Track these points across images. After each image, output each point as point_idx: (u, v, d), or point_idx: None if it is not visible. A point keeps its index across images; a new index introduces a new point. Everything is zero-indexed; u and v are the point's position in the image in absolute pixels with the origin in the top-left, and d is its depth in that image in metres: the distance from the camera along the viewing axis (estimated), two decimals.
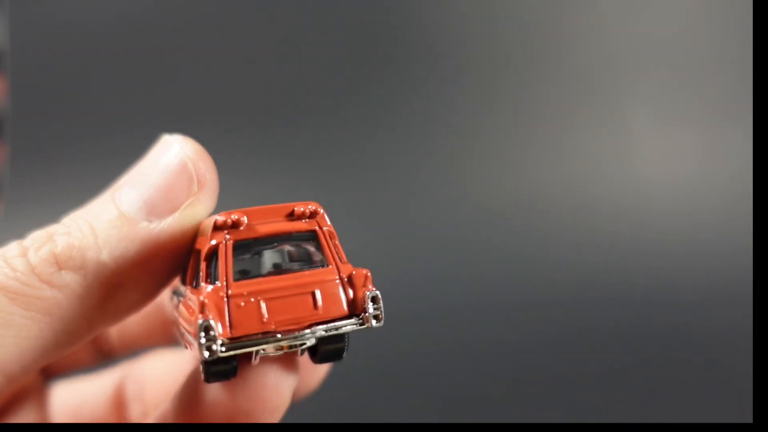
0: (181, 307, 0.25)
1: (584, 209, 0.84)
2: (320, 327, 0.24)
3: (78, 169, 0.81)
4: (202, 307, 0.22)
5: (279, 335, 0.23)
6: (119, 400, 0.36)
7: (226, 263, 0.23)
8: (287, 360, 0.25)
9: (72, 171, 0.81)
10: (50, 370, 0.35)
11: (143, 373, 0.36)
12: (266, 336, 0.23)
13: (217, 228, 0.24)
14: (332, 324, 0.24)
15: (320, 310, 0.24)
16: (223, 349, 0.22)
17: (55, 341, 0.23)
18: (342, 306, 0.24)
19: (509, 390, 0.60)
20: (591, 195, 0.85)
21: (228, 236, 0.24)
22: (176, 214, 0.24)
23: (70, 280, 0.23)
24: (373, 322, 0.24)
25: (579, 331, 0.70)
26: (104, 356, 0.36)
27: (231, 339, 0.22)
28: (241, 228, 0.24)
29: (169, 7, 0.84)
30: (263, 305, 0.23)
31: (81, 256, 0.23)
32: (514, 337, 0.66)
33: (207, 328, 0.22)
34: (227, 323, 0.22)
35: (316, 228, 0.26)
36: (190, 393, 0.26)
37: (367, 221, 0.81)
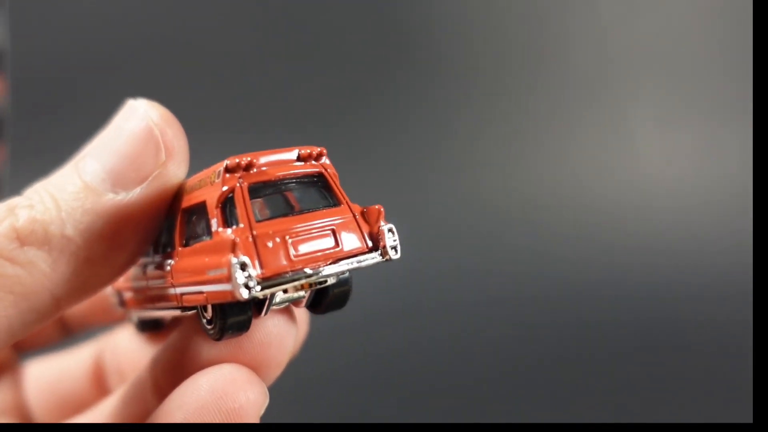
0: (173, 265, 0.24)
1: (586, 208, 0.83)
2: (345, 261, 0.24)
3: None
4: (234, 246, 0.21)
5: (308, 271, 0.23)
6: (98, 374, 0.35)
7: (245, 205, 0.23)
8: (289, 312, 0.25)
9: None
10: (16, 346, 0.34)
11: (118, 346, 0.35)
12: (296, 273, 0.22)
13: (229, 170, 0.23)
14: (356, 258, 0.24)
15: (342, 247, 0.24)
16: (259, 288, 0.21)
17: (21, 320, 0.22)
18: (361, 241, 0.25)
19: (508, 386, 0.60)
20: (593, 194, 0.85)
21: (241, 180, 0.23)
22: (144, 185, 0.23)
23: (33, 256, 0.22)
24: (392, 253, 0.25)
25: (579, 331, 0.70)
26: (66, 333, 0.36)
27: (263, 279, 0.21)
28: (253, 171, 0.23)
29: (170, 7, 0.84)
30: (290, 243, 0.23)
31: (44, 231, 0.22)
32: (514, 331, 0.66)
33: (243, 265, 0.21)
34: (256, 263, 0.22)
35: (323, 170, 0.26)
36: (175, 353, 0.25)
37: None
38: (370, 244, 0.25)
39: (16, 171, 0.80)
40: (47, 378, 0.34)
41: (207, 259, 0.22)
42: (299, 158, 0.25)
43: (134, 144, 0.23)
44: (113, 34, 0.83)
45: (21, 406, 0.33)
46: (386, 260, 0.25)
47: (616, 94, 0.87)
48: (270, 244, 0.22)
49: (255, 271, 0.21)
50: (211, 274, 0.22)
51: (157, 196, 0.23)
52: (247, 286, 0.21)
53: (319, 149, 0.26)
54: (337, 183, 0.26)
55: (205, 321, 0.24)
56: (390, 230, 0.25)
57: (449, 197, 0.84)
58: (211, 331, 0.23)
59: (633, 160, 0.86)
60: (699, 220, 0.83)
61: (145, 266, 0.27)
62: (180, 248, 0.24)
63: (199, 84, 0.84)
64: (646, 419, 0.58)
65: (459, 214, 0.83)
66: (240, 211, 0.22)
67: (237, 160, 0.23)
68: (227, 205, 0.23)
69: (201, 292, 0.23)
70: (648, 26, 0.87)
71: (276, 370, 0.24)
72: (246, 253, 0.21)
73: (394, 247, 0.25)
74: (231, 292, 0.21)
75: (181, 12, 0.84)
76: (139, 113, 0.24)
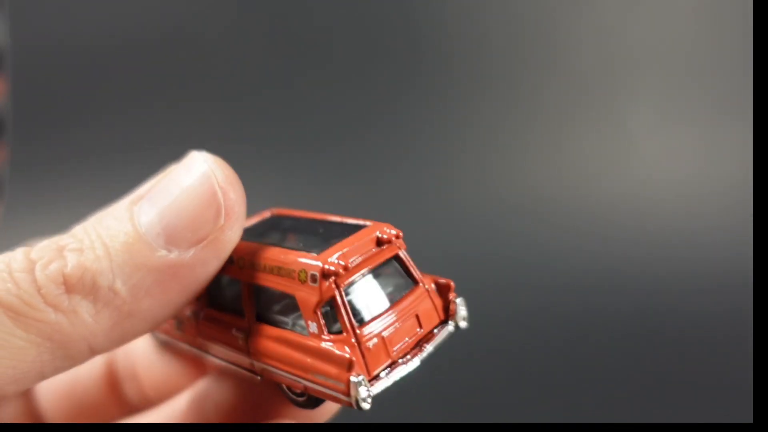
0: (251, 341, 0.25)
1: (584, 209, 0.83)
2: (428, 346, 0.25)
3: (79, 167, 0.81)
4: (351, 365, 0.23)
5: (415, 363, 0.25)
6: (112, 379, 0.35)
7: (347, 312, 0.24)
8: None
9: (72, 170, 0.81)
10: None
11: (132, 350, 0.34)
12: (393, 366, 0.24)
13: (325, 276, 0.23)
14: (436, 336, 0.26)
15: (424, 328, 0.26)
16: (370, 400, 0.23)
17: (54, 365, 0.21)
18: (437, 315, 0.27)
19: (507, 386, 0.60)
20: (591, 194, 0.85)
21: (338, 286, 0.24)
22: (199, 246, 0.22)
23: (77, 304, 0.21)
24: (462, 324, 0.27)
25: (578, 332, 0.70)
26: None
27: (370, 380, 0.23)
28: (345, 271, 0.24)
29: (171, 7, 0.84)
30: (387, 340, 0.24)
31: (92, 281, 0.21)
32: (511, 335, 0.66)
33: (360, 384, 0.23)
34: (365, 368, 0.24)
35: (399, 252, 0.27)
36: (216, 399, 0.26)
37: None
38: (442, 316, 0.27)
39: (15, 171, 0.80)
40: (60, 384, 0.34)
41: (310, 361, 0.23)
42: (378, 243, 0.26)
43: (195, 204, 0.22)
44: (113, 34, 0.83)
45: (34, 412, 0.33)
46: (457, 330, 0.27)
47: (615, 95, 0.87)
48: (371, 346, 0.24)
49: (368, 386, 0.23)
50: (320, 379, 0.23)
51: (211, 259, 0.23)
52: (365, 400, 0.23)
53: (395, 232, 0.27)
54: (410, 260, 0.27)
55: (291, 392, 0.26)
56: (462, 303, 0.27)
57: (452, 197, 0.84)
58: (301, 402, 0.25)
59: (633, 159, 0.86)
60: (698, 221, 0.83)
61: (196, 315, 0.28)
62: (253, 324, 0.25)
63: (201, 87, 0.84)
64: (647, 419, 0.58)
65: (460, 212, 0.83)
66: (341, 318, 0.24)
67: (333, 268, 0.23)
68: (328, 307, 0.24)
69: (300, 383, 0.24)
70: (649, 26, 0.87)
71: None
72: (360, 369, 0.23)
73: (464, 318, 0.27)
74: (350, 403, 0.23)
75: (182, 12, 0.84)
76: (203, 170, 0.23)
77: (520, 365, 0.64)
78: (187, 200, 0.22)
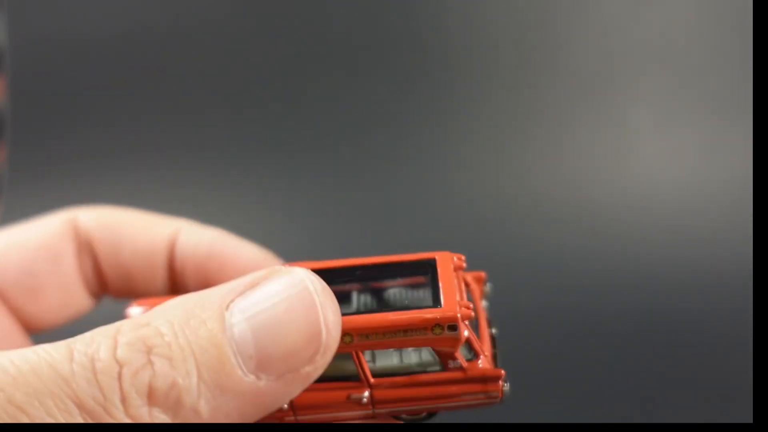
0: (373, 395, 0.26)
1: (582, 209, 0.83)
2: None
3: (79, 168, 0.81)
4: (502, 376, 0.27)
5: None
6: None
7: (476, 340, 0.27)
8: None
9: (72, 170, 0.81)
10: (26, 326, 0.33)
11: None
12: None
13: (461, 321, 0.25)
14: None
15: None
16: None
17: None
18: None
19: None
20: (589, 195, 0.85)
21: (467, 329, 0.26)
22: (289, 377, 0.21)
23: (155, 418, 0.19)
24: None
25: (576, 331, 0.70)
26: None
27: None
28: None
29: (171, 7, 0.84)
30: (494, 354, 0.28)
31: (177, 398, 0.19)
32: (509, 334, 0.66)
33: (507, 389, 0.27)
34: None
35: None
36: None
37: (355, 222, 0.81)
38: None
39: (15, 171, 0.80)
40: None
41: (456, 389, 0.26)
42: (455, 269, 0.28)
43: (296, 336, 0.21)
44: (114, 34, 0.83)
45: None
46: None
47: (614, 94, 0.87)
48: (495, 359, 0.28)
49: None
50: (467, 397, 0.26)
51: (297, 388, 0.22)
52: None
53: (461, 257, 0.29)
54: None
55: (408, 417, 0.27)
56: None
57: (451, 197, 0.84)
58: (419, 419, 0.27)
59: (630, 161, 0.86)
60: (698, 222, 0.83)
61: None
62: (372, 380, 0.26)
63: (203, 89, 0.84)
64: (646, 419, 0.58)
65: (459, 213, 0.83)
66: (475, 346, 0.27)
67: (462, 315, 0.25)
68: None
69: (440, 409, 0.27)
70: (649, 26, 0.87)
71: None
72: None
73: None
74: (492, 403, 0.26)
75: (182, 12, 0.84)
76: (310, 301, 0.21)
77: (518, 365, 0.64)
78: (287, 329, 0.21)
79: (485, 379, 0.26)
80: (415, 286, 0.26)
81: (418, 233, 0.81)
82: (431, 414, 0.27)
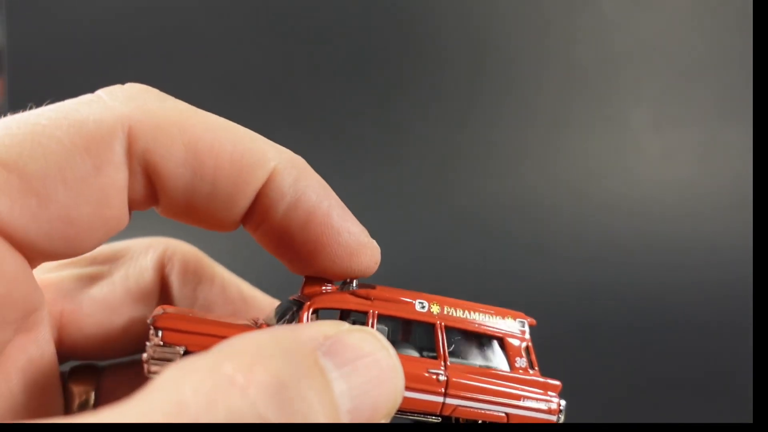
0: (449, 379, 0.27)
1: (582, 210, 0.83)
2: None
3: None
4: (559, 389, 0.30)
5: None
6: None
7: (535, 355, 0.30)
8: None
9: None
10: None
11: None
12: None
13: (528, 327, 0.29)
14: None
15: None
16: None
17: None
18: None
19: None
20: (589, 195, 0.85)
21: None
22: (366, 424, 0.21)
23: None
24: None
25: (577, 333, 0.70)
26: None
27: None
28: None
29: (170, 7, 0.84)
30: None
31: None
32: None
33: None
34: None
35: None
36: None
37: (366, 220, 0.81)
38: None
39: None
40: None
41: (518, 390, 0.27)
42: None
43: (385, 402, 0.21)
44: (113, 34, 0.83)
45: None
46: None
47: (614, 95, 0.87)
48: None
49: None
50: (530, 404, 0.28)
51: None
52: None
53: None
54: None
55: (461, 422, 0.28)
56: None
57: (450, 197, 0.84)
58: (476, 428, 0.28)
59: (631, 162, 0.86)
60: (698, 222, 0.83)
61: None
62: (448, 362, 0.27)
63: (200, 86, 0.84)
64: (646, 419, 0.58)
65: (459, 213, 0.83)
66: (534, 358, 0.29)
67: (530, 328, 0.29)
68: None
69: (499, 413, 0.27)
70: (650, 26, 0.87)
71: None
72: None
73: None
74: (554, 422, 0.28)
75: (181, 12, 0.84)
76: (395, 372, 0.22)
77: None
78: (377, 394, 0.21)
79: (546, 385, 0.29)
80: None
81: (418, 234, 0.81)
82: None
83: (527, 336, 0.28)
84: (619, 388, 0.63)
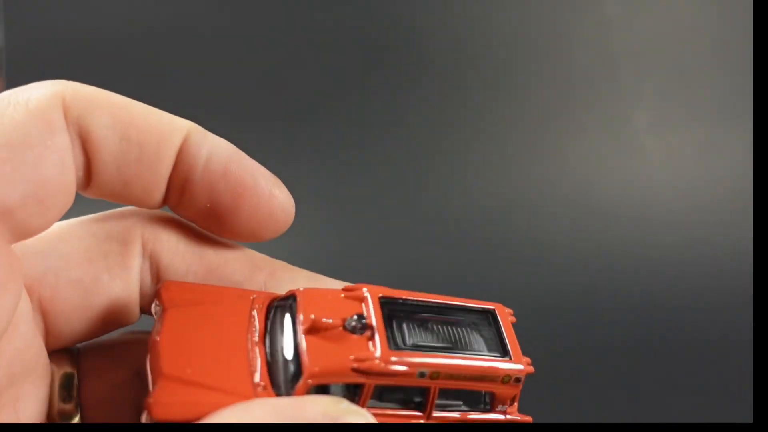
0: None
1: (584, 210, 0.83)
2: None
3: None
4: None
5: None
6: None
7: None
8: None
9: None
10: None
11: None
12: None
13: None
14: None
15: None
16: None
17: None
18: None
19: None
20: (590, 195, 0.85)
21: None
22: None
23: None
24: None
25: (577, 332, 0.70)
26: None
27: None
28: None
29: (169, 7, 0.84)
30: None
31: None
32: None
33: None
34: None
35: None
36: None
37: (359, 223, 0.81)
38: None
39: None
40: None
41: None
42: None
43: None
44: (111, 33, 0.83)
45: None
46: None
47: (615, 95, 0.87)
48: None
49: None
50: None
51: None
52: None
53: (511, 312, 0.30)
54: None
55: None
56: None
57: (441, 196, 0.84)
58: None
59: (631, 162, 0.86)
60: (698, 222, 0.83)
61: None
62: (432, 416, 0.27)
63: (200, 87, 0.84)
64: (646, 419, 0.58)
65: (454, 211, 0.83)
66: (517, 397, 0.29)
67: (527, 371, 0.28)
68: None
69: None
70: (650, 26, 0.87)
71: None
72: None
73: None
74: None
75: (180, 11, 0.84)
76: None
77: None
78: None
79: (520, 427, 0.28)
80: (477, 328, 0.28)
81: (419, 234, 0.81)
82: None
83: (519, 389, 0.28)
84: (618, 387, 0.63)
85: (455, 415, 0.27)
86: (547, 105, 0.87)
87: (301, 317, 0.25)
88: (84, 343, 0.29)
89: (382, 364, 0.25)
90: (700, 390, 0.63)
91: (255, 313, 0.27)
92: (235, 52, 0.85)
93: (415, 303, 0.27)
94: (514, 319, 0.29)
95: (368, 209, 0.82)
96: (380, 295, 0.27)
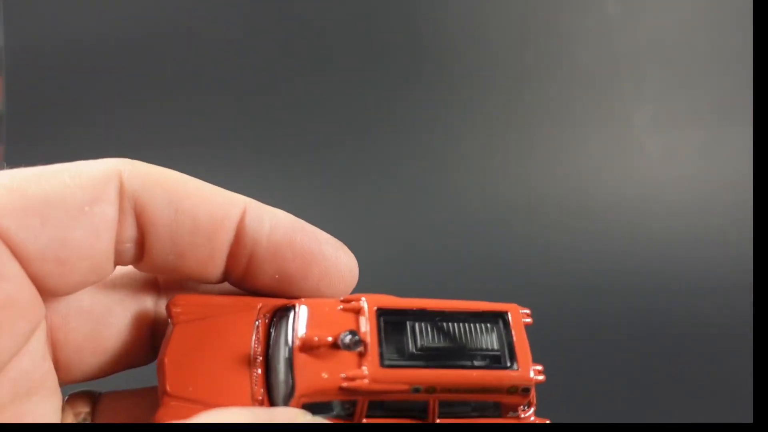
0: None
1: (584, 209, 0.83)
2: None
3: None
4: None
5: None
6: None
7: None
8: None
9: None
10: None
11: None
12: None
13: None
14: None
15: None
16: None
17: None
18: None
19: None
20: (590, 194, 0.85)
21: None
22: None
23: None
24: None
25: (576, 331, 0.70)
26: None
27: None
28: None
29: (168, 7, 0.84)
30: None
31: None
32: None
33: None
34: None
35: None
36: None
37: (360, 224, 0.81)
38: None
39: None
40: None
41: None
42: None
43: None
44: (110, 34, 0.83)
45: None
46: None
47: (615, 94, 0.87)
48: None
49: None
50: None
51: None
52: None
53: (527, 311, 0.30)
54: None
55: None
56: None
57: (438, 200, 0.84)
58: None
59: (631, 161, 0.86)
60: (698, 222, 0.83)
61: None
62: (437, 420, 0.27)
63: (196, 87, 0.84)
64: (646, 419, 0.58)
65: (461, 213, 0.83)
66: (533, 401, 0.29)
67: (536, 380, 0.27)
68: None
69: None
70: (651, 26, 0.87)
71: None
72: None
73: None
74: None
75: (178, 12, 0.84)
76: None
77: None
78: None
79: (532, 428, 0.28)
80: (483, 336, 0.27)
81: (420, 235, 0.81)
82: None
83: (528, 397, 0.27)
84: (618, 387, 0.63)
85: (464, 417, 0.27)
86: (547, 105, 0.87)
87: (296, 333, 0.25)
88: (106, 391, 0.28)
89: (372, 384, 0.24)
90: (699, 390, 0.63)
91: (258, 323, 0.27)
92: (235, 51, 0.85)
93: (415, 312, 0.26)
94: (529, 320, 0.28)
95: (368, 209, 0.82)
96: (378, 306, 0.26)
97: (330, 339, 0.25)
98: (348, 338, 0.25)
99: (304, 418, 0.23)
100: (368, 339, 0.25)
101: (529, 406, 0.28)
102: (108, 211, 0.24)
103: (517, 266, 0.78)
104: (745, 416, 0.55)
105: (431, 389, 0.25)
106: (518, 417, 0.27)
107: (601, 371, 0.65)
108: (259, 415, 0.22)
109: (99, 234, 0.24)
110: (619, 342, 0.69)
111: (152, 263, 0.26)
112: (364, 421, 0.25)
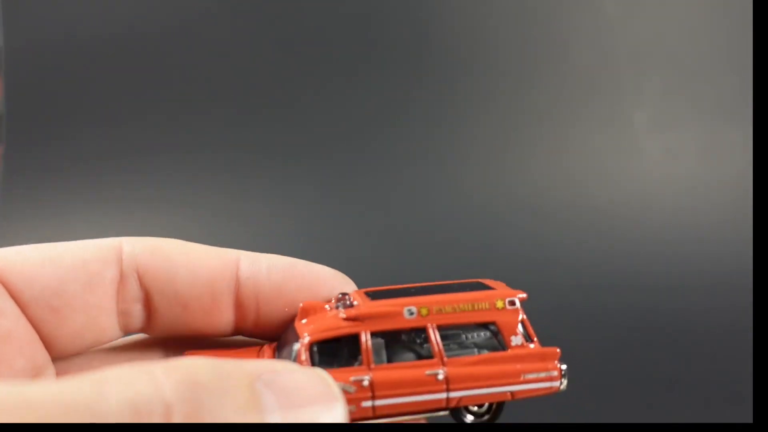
0: (448, 374, 0.28)
1: (584, 208, 0.83)
2: None
3: (75, 171, 0.81)
4: (557, 356, 0.30)
5: None
6: None
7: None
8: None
9: (69, 174, 0.81)
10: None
11: None
12: None
13: (519, 299, 0.30)
14: None
15: None
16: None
17: None
18: None
19: None
20: (591, 194, 0.85)
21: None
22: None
23: None
24: None
25: (576, 331, 0.70)
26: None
27: None
28: None
29: (168, 9, 0.84)
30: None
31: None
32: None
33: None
34: None
35: None
36: None
37: (361, 221, 0.81)
38: None
39: (12, 171, 0.80)
40: None
41: (520, 367, 0.28)
42: None
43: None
44: (110, 38, 0.83)
45: None
46: None
47: (616, 94, 0.87)
48: None
49: None
50: (532, 377, 0.28)
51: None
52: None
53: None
54: None
55: (469, 414, 0.29)
56: None
57: (440, 198, 0.84)
58: (484, 416, 0.29)
59: (632, 160, 0.86)
60: (699, 222, 0.83)
61: (360, 381, 0.28)
62: (445, 359, 0.28)
63: (198, 91, 0.84)
64: (646, 419, 0.58)
65: (464, 213, 0.83)
66: (530, 330, 0.30)
67: (522, 295, 0.29)
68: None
69: (506, 392, 0.28)
70: (651, 26, 0.87)
71: None
72: None
73: None
74: (557, 388, 0.29)
75: (178, 14, 0.84)
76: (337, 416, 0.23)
77: None
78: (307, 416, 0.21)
79: (544, 356, 0.29)
80: (461, 286, 0.29)
81: (421, 235, 0.81)
82: (495, 412, 0.29)
83: (519, 313, 0.29)
84: (618, 387, 0.63)
85: (473, 352, 0.28)
86: (547, 105, 0.87)
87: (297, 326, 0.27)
88: None
89: (369, 308, 0.27)
90: (699, 390, 0.63)
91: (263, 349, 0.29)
92: (235, 52, 0.85)
93: (398, 288, 0.29)
94: (524, 295, 0.30)
95: (367, 209, 0.82)
96: (365, 291, 0.29)
97: (326, 306, 0.28)
98: (340, 301, 0.28)
99: (287, 367, 0.22)
100: (358, 299, 0.28)
101: (530, 338, 0.29)
102: (105, 270, 0.27)
103: (518, 264, 0.78)
104: (745, 416, 0.55)
105: (425, 310, 0.27)
106: (521, 344, 0.29)
107: (600, 370, 0.65)
108: (228, 362, 0.21)
109: (93, 289, 0.27)
110: (618, 341, 0.69)
111: (161, 321, 0.28)
112: (373, 366, 0.27)
